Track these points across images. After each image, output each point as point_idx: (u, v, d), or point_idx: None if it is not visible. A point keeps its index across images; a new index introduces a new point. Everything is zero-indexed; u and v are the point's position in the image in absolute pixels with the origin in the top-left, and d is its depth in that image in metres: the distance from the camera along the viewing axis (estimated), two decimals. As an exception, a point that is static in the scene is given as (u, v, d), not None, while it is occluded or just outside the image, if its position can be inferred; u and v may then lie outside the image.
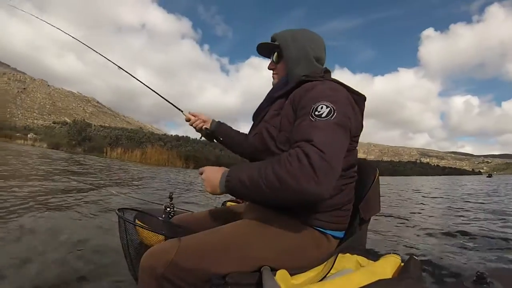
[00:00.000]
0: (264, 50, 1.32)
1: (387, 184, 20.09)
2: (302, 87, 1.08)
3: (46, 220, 3.27)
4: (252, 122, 1.29)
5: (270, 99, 1.23)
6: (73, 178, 7.60)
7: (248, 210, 1.21)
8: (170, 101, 1.64)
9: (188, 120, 1.55)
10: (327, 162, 0.81)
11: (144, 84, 1.77)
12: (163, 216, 1.37)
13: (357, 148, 1.12)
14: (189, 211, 1.53)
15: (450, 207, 7.40)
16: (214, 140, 1.56)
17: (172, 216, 1.39)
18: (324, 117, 0.91)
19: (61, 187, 5.70)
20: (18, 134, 41.02)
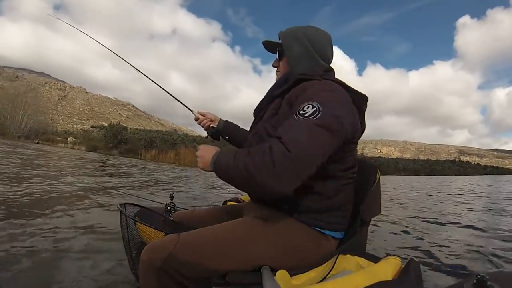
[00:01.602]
0: (270, 48, 1.34)
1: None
2: (299, 86, 1.08)
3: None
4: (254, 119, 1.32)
5: (269, 97, 1.24)
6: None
7: (248, 209, 1.23)
8: (181, 101, 1.69)
9: (197, 119, 1.64)
10: (291, 160, 0.83)
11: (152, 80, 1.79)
12: (164, 213, 1.41)
13: (356, 148, 1.11)
14: None
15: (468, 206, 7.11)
16: (220, 138, 1.63)
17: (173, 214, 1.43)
18: (306, 117, 0.92)
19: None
20: (59, 138, 43.15)
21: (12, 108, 42.19)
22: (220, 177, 0.98)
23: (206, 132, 1.64)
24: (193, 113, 1.66)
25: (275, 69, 1.32)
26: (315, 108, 0.92)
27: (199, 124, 1.64)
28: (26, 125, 42.32)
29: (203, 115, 1.64)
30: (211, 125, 1.62)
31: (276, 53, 1.31)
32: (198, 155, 1.06)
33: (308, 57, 1.19)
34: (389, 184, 16.94)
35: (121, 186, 6.77)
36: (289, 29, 1.25)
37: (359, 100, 1.10)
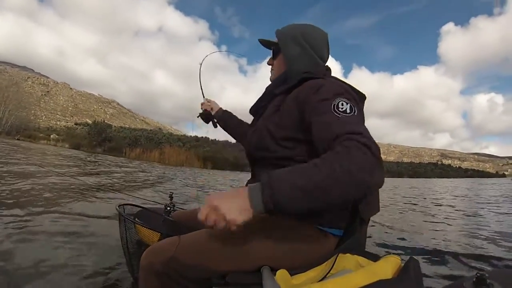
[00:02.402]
0: (266, 45, 1.34)
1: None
2: (306, 85, 1.06)
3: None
4: (252, 117, 1.33)
5: (269, 95, 1.24)
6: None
7: None
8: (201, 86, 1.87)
9: (202, 104, 1.80)
10: (379, 151, 0.81)
11: None
12: (163, 214, 1.39)
13: None
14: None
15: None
16: (211, 122, 1.78)
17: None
18: (349, 113, 0.90)
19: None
20: (41, 135, 42.28)
21: (-8, 103, 41.05)
22: (285, 209, 0.76)
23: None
24: (203, 98, 1.84)
25: (270, 67, 1.32)
26: (349, 105, 0.92)
27: (202, 108, 1.79)
28: (7, 121, 41.25)
29: (208, 101, 1.80)
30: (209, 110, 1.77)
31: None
32: (215, 206, 0.77)
33: (306, 56, 1.19)
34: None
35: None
36: (286, 28, 1.25)
37: (359, 98, 1.11)
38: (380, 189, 0.95)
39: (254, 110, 1.31)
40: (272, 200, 0.75)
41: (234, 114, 1.74)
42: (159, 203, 1.66)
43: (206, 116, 1.77)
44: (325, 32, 1.25)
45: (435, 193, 13.63)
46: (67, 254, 2.28)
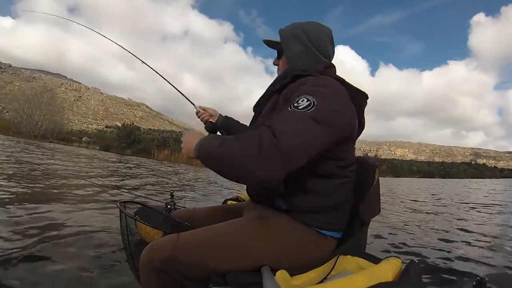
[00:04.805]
0: (271, 45, 1.33)
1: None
2: (296, 82, 1.07)
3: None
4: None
5: (269, 93, 1.24)
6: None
7: (248, 208, 1.22)
8: (184, 94, 1.72)
9: (197, 112, 1.68)
10: (278, 150, 0.81)
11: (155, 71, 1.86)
12: (164, 212, 1.40)
13: (354, 146, 1.10)
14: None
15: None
16: (218, 133, 1.62)
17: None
18: (299, 109, 0.90)
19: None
20: (74, 138, 44.02)
21: (28, 108, 42.88)
22: (203, 163, 0.94)
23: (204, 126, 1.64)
24: (194, 107, 1.70)
25: (277, 67, 1.32)
26: (309, 102, 0.90)
27: (198, 117, 1.67)
28: (42, 125, 42.96)
29: (203, 109, 1.67)
30: (210, 120, 1.65)
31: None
32: (182, 141, 1.05)
33: (308, 55, 1.18)
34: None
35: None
36: (289, 27, 1.24)
37: (358, 98, 1.08)
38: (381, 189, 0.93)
39: (255, 108, 1.31)
40: (198, 153, 0.94)
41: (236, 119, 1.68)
42: (160, 201, 1.68)
43: (212, 128, 1.59)
44: (329, 28, 1.23)
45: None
46: (67, 251, 2.31)
